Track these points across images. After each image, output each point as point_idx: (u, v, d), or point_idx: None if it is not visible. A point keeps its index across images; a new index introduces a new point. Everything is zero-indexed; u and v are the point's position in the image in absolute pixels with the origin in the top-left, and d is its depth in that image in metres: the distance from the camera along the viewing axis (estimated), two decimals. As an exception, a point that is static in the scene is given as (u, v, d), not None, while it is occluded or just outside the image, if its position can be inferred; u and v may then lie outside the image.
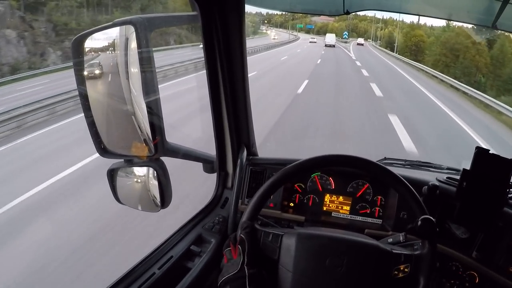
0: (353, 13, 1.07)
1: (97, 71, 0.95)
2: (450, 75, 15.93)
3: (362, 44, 45.96)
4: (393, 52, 33.08)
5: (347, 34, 62.55)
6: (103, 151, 0.90)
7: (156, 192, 0.90)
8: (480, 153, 0.87)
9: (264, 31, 64.85)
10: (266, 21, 77.22)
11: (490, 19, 1.05)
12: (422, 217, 0.71)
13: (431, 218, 0.71)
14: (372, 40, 60.44)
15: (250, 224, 0.74)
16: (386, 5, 1.22)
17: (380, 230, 1.05)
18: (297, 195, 1.16)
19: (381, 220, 1.11)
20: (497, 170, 0.86)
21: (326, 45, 34.35)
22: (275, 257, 0.72)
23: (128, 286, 0.84)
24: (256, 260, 0.72)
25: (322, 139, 5.50)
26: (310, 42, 40.46)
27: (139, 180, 0.94)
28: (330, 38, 36.15)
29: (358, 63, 19.40)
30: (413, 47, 33.64)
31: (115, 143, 0.93)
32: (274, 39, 42.72)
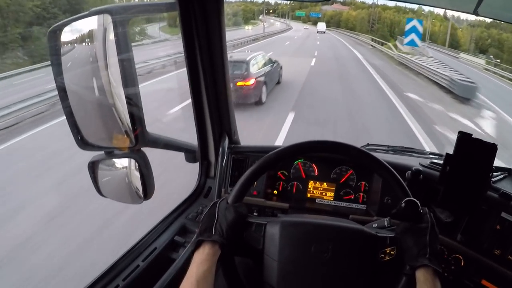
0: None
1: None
2: None
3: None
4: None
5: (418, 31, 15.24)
6: (83, 143, 0.89)
7: (138, 183, 0.89)
8: (463, 137, 0.88)
9: (259, 21, 57.84)
10: (271, 10, 69.55)
11: (471, 6, 1.06)
12: (406, 199, 0.70)
13: (415, 200, 0.70)
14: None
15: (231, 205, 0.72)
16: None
17: (364, 216, 1.05)
18: (281, 182, 1.15)
19: (365, 206, 1.11)
20: (480, 154, 0.87)
21: (318, 32, 38.49)
22: (259, 247, 0.71)
23: (113, 279, 0.83)
24: (238, 246, 0.71)
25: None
26: (304, 28, 46.35)
27: (121, 172, 0.92)
28: (321, 26, 41.85)
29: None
30: None
31: (95, 135, 0.91)
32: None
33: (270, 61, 7.65)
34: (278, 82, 8.30)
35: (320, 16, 62.49)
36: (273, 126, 5.38)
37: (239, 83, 6.06)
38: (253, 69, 6.49)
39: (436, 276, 0.63)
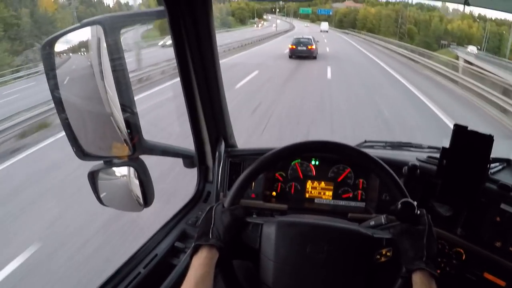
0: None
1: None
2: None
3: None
4: None
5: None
6: (82, 154, 0.90)
7: (138, 191, 0.90)
8: (459, 130, 0.87)
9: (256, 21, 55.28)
10: (278, 9, 69.50)
11: None
12: (402, 200, 0.70)
13: (411, 201, 0.70)
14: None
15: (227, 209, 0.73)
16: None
17: (363, 213, 1.05)
18: (279, 183, 1.15)
19: (364, 203, 1.11)
20: (477, 146, 0.86)
21: (321, 31, 38.33)
22: (256, 246, 0.71)
23: (115, 287, 0.84)
24: (236, 248, 0.72)
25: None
26: (305, 26, 47.87)
27: (120, 181, 0.94)
28: (324, 25, 43.46)
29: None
30: None
31: (93, 145, 0.93)
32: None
33: (314, 39, 15.88)
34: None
35: (331, 13, 54.58)
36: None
37: (309, 47, 14.94)
38: (313, 41, 15.28)
39: (433, 279, 0.63)
